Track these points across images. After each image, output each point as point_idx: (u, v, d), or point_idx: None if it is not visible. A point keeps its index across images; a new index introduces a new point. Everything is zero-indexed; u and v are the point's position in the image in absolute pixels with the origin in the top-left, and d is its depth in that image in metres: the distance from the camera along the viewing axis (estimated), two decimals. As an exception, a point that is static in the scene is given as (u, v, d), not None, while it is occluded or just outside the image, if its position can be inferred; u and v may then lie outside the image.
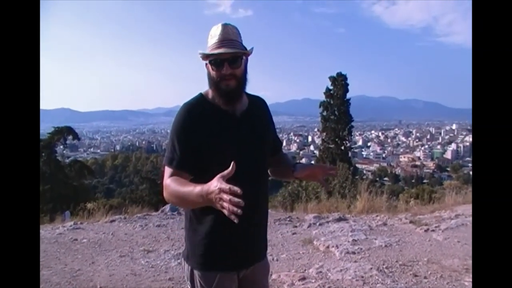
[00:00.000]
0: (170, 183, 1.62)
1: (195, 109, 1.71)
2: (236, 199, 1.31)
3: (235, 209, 1.31)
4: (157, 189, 26.71)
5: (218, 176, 1.40)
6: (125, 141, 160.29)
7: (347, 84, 28.70)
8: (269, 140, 1.87)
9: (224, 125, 1.70)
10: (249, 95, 1.83)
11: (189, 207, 1.70)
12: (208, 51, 1.66)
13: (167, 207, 8.20)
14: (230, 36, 1.65)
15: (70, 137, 28.63)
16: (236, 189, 1.31)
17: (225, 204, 1.33)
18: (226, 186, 1.34)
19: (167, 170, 1.68)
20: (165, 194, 1.65)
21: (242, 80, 1.71)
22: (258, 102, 1.88)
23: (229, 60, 1.63)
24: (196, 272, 1.74)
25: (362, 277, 3.98)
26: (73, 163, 29.47)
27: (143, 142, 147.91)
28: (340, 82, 28.57)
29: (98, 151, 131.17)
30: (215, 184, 1.38)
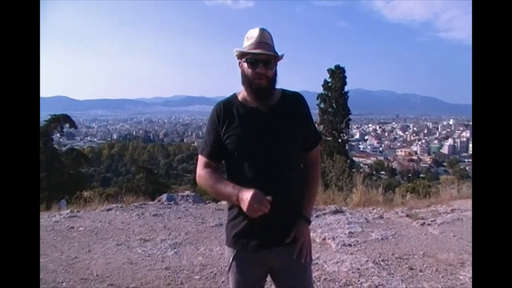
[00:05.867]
0: (207, 174, 1.89)
1: (224, 106, 1.93)
2: (265, 205, 1.67)
3: (257, 213, 1.68)
4: (154, 179, 26.77)
5: (255, 191, 1.69)
6: (122, 130, 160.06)
7: (345, 77, 28.60)
8: (296, 134, 1.91)
9: (245, 118, 1.88)
10: (285, 91, 1.98)
11: (220, 198, 2.01)
12: (246, 50, 1.82)
13: (163, 197, 8.21)
14: (266, 40, 1.83)
15: (67, 125, 28.51)
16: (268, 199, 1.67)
17: (254, 207, 1.67)
18: (260, 197, 1.67)
19: (200, 158, 1.96)
20: (198, 180, 1.93)
21: (273, 80, 1.87)
22: (292, 98, 1.98)
23: (264, 61, 1.81)
24: (225, 247, 2.02)
25: (358, 269, 4.00)
26: (69, 151, 29.36)
27: (140, 132, 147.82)
28: (338, 74, 28.47)
29: (95, 139, 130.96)
30: (250, 194, 1.68)
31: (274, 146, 1.83)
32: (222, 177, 1.89)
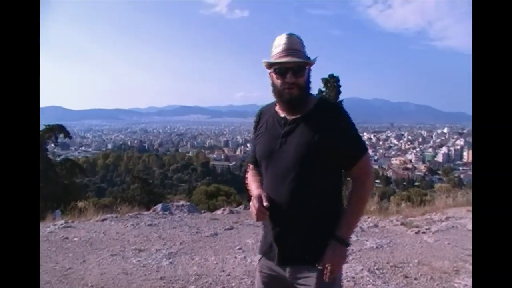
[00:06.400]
0: (248, 176, 2.01)
1: (262, 114, 1.95)
2: (261, 210, 1.68)
3: (255, 216, 1.71)
4: (149, 188, 26.68)
5: (256, 194, 1.74)
6: (117, 140, 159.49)
7: (339, 86, 28.78)
8: (318, 145, 1.69)
9: (272, 126, 1.85)
10: (322, 100, 1.82)
11: None
12: (272, 60, 1.73)
13: (158, 207, 8.18)
14: (294, 46, 1.71)
15: (62, 135, 28.44)
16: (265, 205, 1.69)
17: (252, 209, 1.72)
18: (256, 202, 1.70)
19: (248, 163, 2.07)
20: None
21: (305, 89, 1.76)
22: (326, 108, 1.78)
23: (293, 69, 1.70)
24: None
25: (353, 278, 4.01)
26: (64, 162, 29.26)
27: (135, 141, 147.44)
28: (332, 84, 28.63)
29: (90, 149, 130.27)
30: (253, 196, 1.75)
31: (291, 156, 1.71)
32: (256, 178, 1.94)
